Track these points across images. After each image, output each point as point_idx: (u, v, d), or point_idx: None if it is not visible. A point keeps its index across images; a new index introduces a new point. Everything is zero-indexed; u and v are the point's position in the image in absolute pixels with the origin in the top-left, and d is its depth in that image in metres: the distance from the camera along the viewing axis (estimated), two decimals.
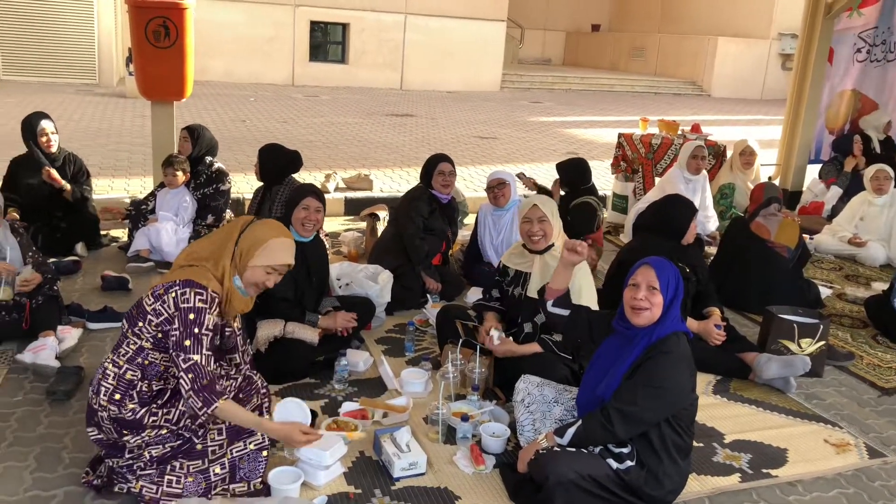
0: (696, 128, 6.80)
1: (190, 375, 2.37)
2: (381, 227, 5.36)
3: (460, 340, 3.49)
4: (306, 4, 16.94)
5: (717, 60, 20.27)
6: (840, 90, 7.61)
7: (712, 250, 5.35)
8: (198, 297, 2.40)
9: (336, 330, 3.57)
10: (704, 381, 3.68)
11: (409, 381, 3.40)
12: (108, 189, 6.44)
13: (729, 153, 6.55)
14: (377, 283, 4.14)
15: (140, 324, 2.44)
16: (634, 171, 6.53)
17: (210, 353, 2.43)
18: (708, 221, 5.88)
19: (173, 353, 2.39)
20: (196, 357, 2.38)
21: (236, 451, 2.51)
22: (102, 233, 5.36)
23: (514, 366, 3.28)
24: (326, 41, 17.87)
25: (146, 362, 2.46)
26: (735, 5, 20.89)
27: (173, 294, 2.40)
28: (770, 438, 3.21)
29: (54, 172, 4.91)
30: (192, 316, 2.38)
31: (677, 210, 4.04)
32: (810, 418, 3.42)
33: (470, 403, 3.20)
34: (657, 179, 6.36)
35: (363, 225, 5.81)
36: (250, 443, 2.53)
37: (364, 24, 17.48)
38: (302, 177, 7.36)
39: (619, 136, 6.75)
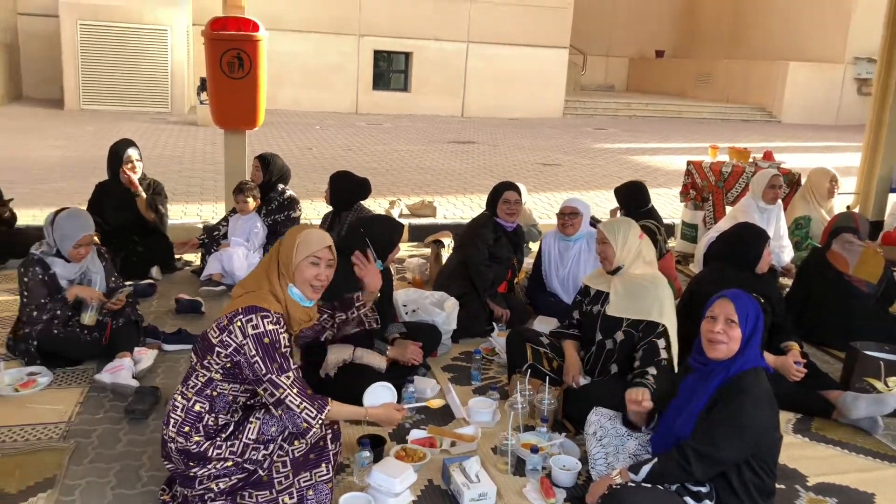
0: (768, 155, 6.62)
1: (294, 390, 2.44)
2: (445, 253, 5.38)
3: (528, 370, 3.45)
4: (371, 34, 17.31)
5: (789, 85, 19.76)
6: None
7: (787, 282, 5.17)
8: (265, 319, 2.43)
9: (404, 361, 3.58)
10: (784, 420, 3.49)
11: (477, 410, 3.37)
12: (181, 214, 6.65)
13: (804, 181, 6.35)
14: (443, 310, 4.13)
15: (208, 356, 2.47)
16: (704, 199, 6.39)
17: (297, 367, 2.49)
18: (783, 252, 5.69)
19: (267, 379, 2.42)
20: (291, 374, 2.44)
21: (304, 482, 2.52)
22: (176, 257, 5.52)
23: (584, 398, 3.23)
24: (389, 70, 18.20)
25: (215, 393, 2.49)
26: (807, 29, 20.41)
27: (238, 323, 2.42)
28: (857, 482, 3.06)
29: (133, 176, 5.09)
30: (266, 340, 2.41)
31: (750, 239, 3.93)
32: None
33: (539, 435, 3.15)
34: (728, 208, 6.21)
35: (427, 251, 5.84)
36: (316, 474, 2.54)
37: (427, 53, 17.75)
38: (367, 203, 7.46)
39: (688, 163, 6.63)
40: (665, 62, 24.52)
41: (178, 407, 2.48)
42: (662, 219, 5.49)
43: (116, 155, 5.16)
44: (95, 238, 4.95)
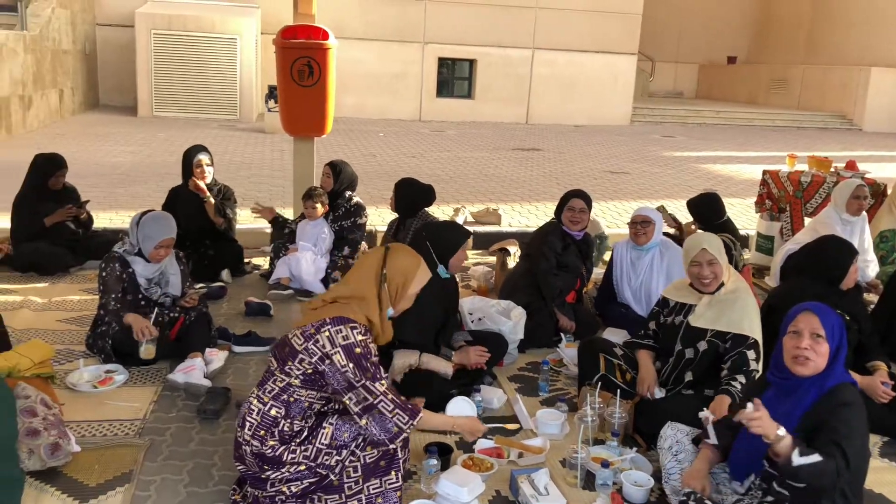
0: (851, 164, 6.34)
1: (389, 397, 2.46)
2: (511, 262, 5.32)
3: (598, 382, 3.37)
4: (435, 42, 17.40)
5: (871, 91, 18.94)
6: None
7: (872, 298, 4.93)
8: (354, 331, 2.46)
9: (469, 365, 3.55)
10: (871, 443, 3.33)
11: (545, 421, 3.31)
12: (251, 219, 6.77)
13: (889, 192, 6.05)
14: (510, 319, 4.08)
15: (290, 362, 2.48)
16: (781, 210, 6.16)
17: (387, 376, 2.53)
18: (867, 266, 5.41)
19: (361, 385, 2.43)
20: (384, 381, 2.48)
21: (373, 489, 2.52)
22: (245, 260, 5.63)
23: (657, 412, 3.15)
24: (453, 77, 18.26)
25: (291, 399, 2.51)
26: (890, 33, 19.54)
27: (326, 333, 2.44)
28: None
29: (200, 183, 5.22)
30: (358, 350, 2.44)
31: (835, 252, 3.76)
32: None
33: (609, 449, 3.07)
34: (807, 220, 5.97)
35: (492, 259, 5.79)
36: (386, 481, 2.53)
37: (491, 60, 17.73)
38: (431, 211, 7.47)
39: (764, 173, 6.41)
40: (737, 68, 23.89)
41: (253, 411, 2.51)
42: (738, 230, 5.31)
43: (188, 160, 5.31)
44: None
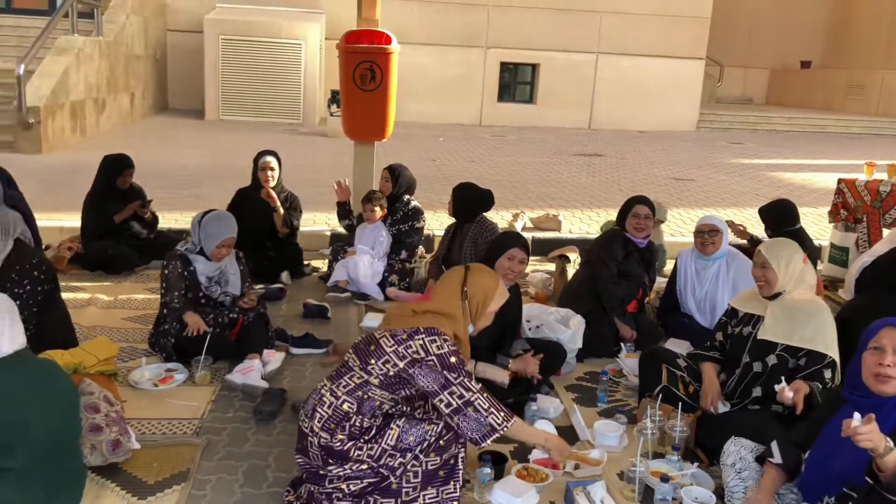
0: None
1: (485, 395, 2.53)
2: (570, 269, 5.23)
3: (659, 394, 3.26)
4: (498, 46, 17.34)
5: None
6: None
7: None
8: (447, 342, 2.54)
9: (526, 373, 3.49)
10: None
11: (603, 433, 3.22)
12: (311, 222, 6.86)
13: None
14: (569, 328, 4.00)
15: (373, 361, 2.53)
16: (857, 220, 5.89)
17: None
18: None
19: (458, 382, 2.49)
20: (477, 384, 2.54)
21: (429, 499, 2.51)
22: (305, 263, 5.69)
23: (720, 426, 3.03)
24: (515, 81, 18.17)
25: (365, 397, 2.53)
26: None
27: (420, 341, 2.51)
28: None
29: (273, 193, 5.31)
30: (453, 359, 2.52)
31: None
32: None
33: (669, 463, 2.97)
34: (885, 231, 5.68)
35: (551, 266, 5.71)
36: (443, 492, 2.52)
37: (554, 65, 17.56)
38: (490, 216, 7.42)
39: (839, 181, 6.14)
40: (810, 73, 23.05)
41: (325, 403, 2.54)
42: (812, 240, 5.09)
43: (257, 162, 5.40)
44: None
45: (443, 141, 13.89)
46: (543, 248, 6.45)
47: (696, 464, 3.02)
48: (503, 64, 17.67)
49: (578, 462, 2.98)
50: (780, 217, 4.88)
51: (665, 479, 2.76)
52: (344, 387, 2.55)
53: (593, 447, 3.17)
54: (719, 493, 2.76)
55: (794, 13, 23.28)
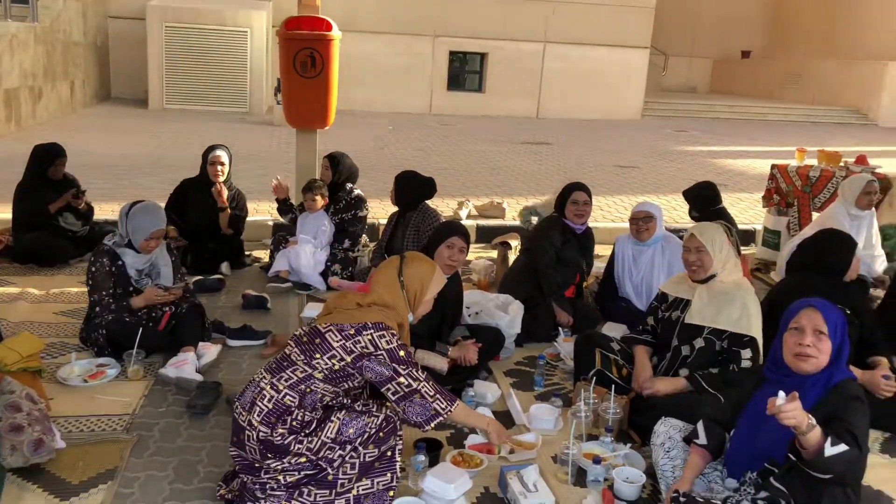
0: (861, 159, 6.22)
1: (431, 383, 2.60)
2: (512, 256, 5.27)
3: (594, 377, 3.32)
4: (446, 35, 17.30)
5: (888, 87, 18.64)
6: None
7: (880, 293, 4.83)
8: (395, 337, 2.58)
9: (465, 361, 3.50)
10: (871, 438, 3.26)
11: (539, 417, 3.26)
12: (253, 211, 6.75)
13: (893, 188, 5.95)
14: (508, 314, 4.03)
15: (318, 356, 2.52)
16: (789, 204, 6.06)
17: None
18: (875, 262, 5.33)
19: (405, 373, 2.54)
20: (423, 374, 2.60)
21: (363, 489, 2.51)
22: (246, 253, 5.61)
23: (652, 408, 3.09)
24: (464, 70, 18.16)
25: (308, 390, 2.52)
26: None
27: (368, 336, 2.53)
28: None
29: (224, 191, 5.22)
30: (402, 353, 2.56)
31: (836, 246, 3.70)
32: None
33: (603, 445, 3.02)
34: (815, 214, 5.87)
35: (494, 253, 5.74)
36: (378, 482, 2.53)
37: (503, 54, 17.62)
38: (435, 204, 7.38)
39: (773, 167, 6.30)
40: (751, 63, 23.60)
41: (266, 396, 2.50)
42: (733, 218, 5.23)
43: (206, 155, 5.31)
44: (174, 232, 5.13)
45: (392, 130, 13.82)
46: (487, 236, 6.49)
47: (628, 444, 3.08)
48: (452, 53, 17.65)
49: (513, 446, 3.02)
50: (704, 198, 5.00)
51: (597, 460, 2.80)
52: (286, 380, 2.51)
53: (529, 431, 3.20)
54: (650, 472, 2.82)
55: (736, 4, 23.80)
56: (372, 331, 2.54)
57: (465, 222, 6.80)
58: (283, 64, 5.67)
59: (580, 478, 2.85)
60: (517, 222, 6.75)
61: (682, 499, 2.41)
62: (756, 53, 23.86)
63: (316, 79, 5.63)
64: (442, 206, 7.39)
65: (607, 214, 7.38)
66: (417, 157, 10.54)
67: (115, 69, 16.07)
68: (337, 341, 2.52)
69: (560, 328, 4.25)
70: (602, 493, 2.73)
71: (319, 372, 2.51)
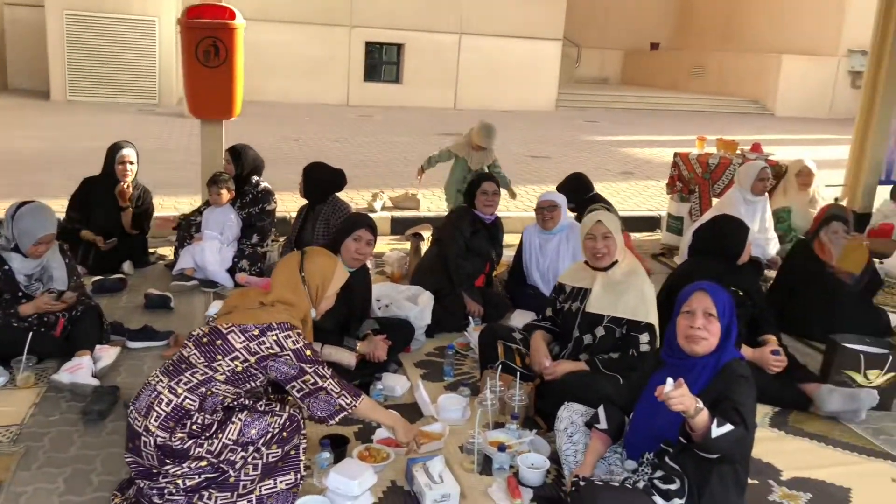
0: (756, 147, 6.52)
1: (336, 380, 2.54)
2: (425, 247, 5.28)
3: (499, 365, 3.36)
4: (362, 25, 17.15)
5: (783, 78, 19.65)
6: None
7: (773, 274, 5.09)
8: (300, 336, 2.52)
9: (373, 357, 3.49)
10: (761, 413, 3.45)
11: (447, 407, 3.28)
12: (158, 207, 6.51)
13: (787, 174, 6.27)
14: (417, 305, 4.04)
15: (220, 357, 2.43)
16: (691, 191, 6.30)
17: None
18: (768, 245, 5.61)
19: (312, 371, 2.49)
20: (329, 371, 2.55)
21: (265, 489, 2.47)
22: (150, 251, 5.41)
23: (556, 393, 3.15)
24: (381, 61, 18.05)
25: (209, 393, 2.43)
26: (801, 22, 20.27)
27: (273, 337, 2.45)
28: (832, 477, 2.98)
29: (128, 191, 5.01)
30: (308, 353, 2.50)
31: (730, 231, 3.86)
32: (878, 455, 3.16)
33: (508, 432, 3.06)
34: (714, 200, 6.12)
35: (408, 245, 5.73)
36: (281, 482, 2.49)
37: (419, 45, 17.60)
38: (349, 196, 7.35)
39: (675, 155, 6.53)
40: (659, 55, 24.37)
41: (163, 401, 2.39)
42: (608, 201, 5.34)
43: (112, 154, 5.06)
44: (90, 235, 4.90)
45: (308, 121, 13.62)
46: (402, 227, 6.48)
47: (534, 431, 3.13)
48: (369, 43, 17.51)
49: (421, 441, 3.02)
50: (577, 188, 5.08)
51: (502, 448, 2.84)
52: (185, 384, 2.42)
53: (437, 421, 3.21)
54: (555, 457, 2.87)
55: None
56: (277, 331, 2.46)
57: (379, 214, 6.78)
58: (185, 53, 5.50)
59: (486, 466, 2.88)
60: (431, 213, 6.76)
61: (581, 482, 2.47)
62: (664, 45, 24.66)
63: (219, 68, 5.48)
64: (357, 197, 7.34)
65: (519, 204, 7.47)
66: (333, 149, 10.43)
67: (13, 59, 15.24)
68: (240, 343, 2.43)
69: (470, 318, 4.29)
70: (507, 480, 2.77)
71: (221, 374, 2.43)
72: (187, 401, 2.40)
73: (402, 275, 5.19)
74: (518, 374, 3.29)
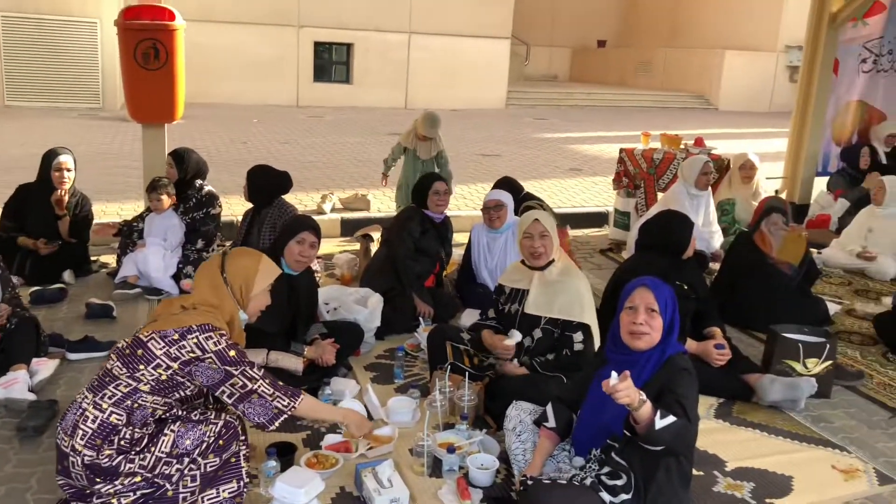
0: (699, 141, 6.65)
1: (267, 381, 2.46)
2: (374, 248, 5.25)
3: (448, 366, 3.36)
4: (310, 25, 16.99)
5: (725, 74, 20.14)
6: (846, 101, 7.46)
7: (717, 267, 5.19)
8: (223, 337, 2.43)
9: (321, 361, 3.45)
10: (706, 405, 3.52)
11: (396, 409, 3.26)
12: (101, 213, 6.36)
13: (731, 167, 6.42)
14: (366, 308, 4.01)
15: (142, 367, 2.35)
16: (636, 186, 6.39)
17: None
18: (712, 238, 5.73)
19: (239, 373, 2.41)
20: (261, 370, 2.47)
21: (208, 500, 2.41)
22: (92, 259, 5.27)
23: (505, 393, 3.16)
24: (331, 62, 17.91)
25: (136, 406, 2.35)
26: (741, 18, 20.79)
27: (194, 340, 2.37)
28: (775, 465, 3.05)
29: (65, 200, 4.87)
30: (232, 353, 2.43)
31: (675, 226, 3.92)
32: (817, 443, 3.25)
33: (458, 433, 3.05)
34: (660, 195, 6.22)
35: (357, 246, 5.69)
36: (224, 490, 2.43)
37: (368, 44, 17.51)
38: (298, 198, 7.29)
39: (621, 151, 6.63)
40: (606, 52, 24.72)
41: (88, 418, 2.31)
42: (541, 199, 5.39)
43: (48, 162, 4.89)
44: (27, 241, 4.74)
45: (257, 122, 13.43)
46: (352, 229, 6.44)
47: (484, 430, 3.13)
48: (318, 44, 17.35)
49: (370, 442, 3.00)
50: (509, 190, 5.08)
51: (451, 449, 2.83)
52: (110, 398, 2.34)
53: (387, 425, 3.19)
54: (505, 457, 2.86)
55: None
56: (197, 333, 2.38)
57: (329, 216, 6.72)
58: (124, 56, 5.36)
59: (437, 468, 2.87)
60: (382, 214, 6.73)
61: (529, 482, 2.48)
62: (611, 43, 25.02)
63: (160, 71, 5.35)
64: (306, 199, 7.27)
65: (469, 202, 7.50)
66: (282, 151, 10.30)
67: None
68: (160, 349, 2.35)
69: (420, 318, 4.28)
70: (457, 481, 2.76)
71: (145, 384, 2.36)
72: (113, 415, 2.33)
73: (352, 277, 5.15)
74: (466, 373, 3.28)
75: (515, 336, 3.28)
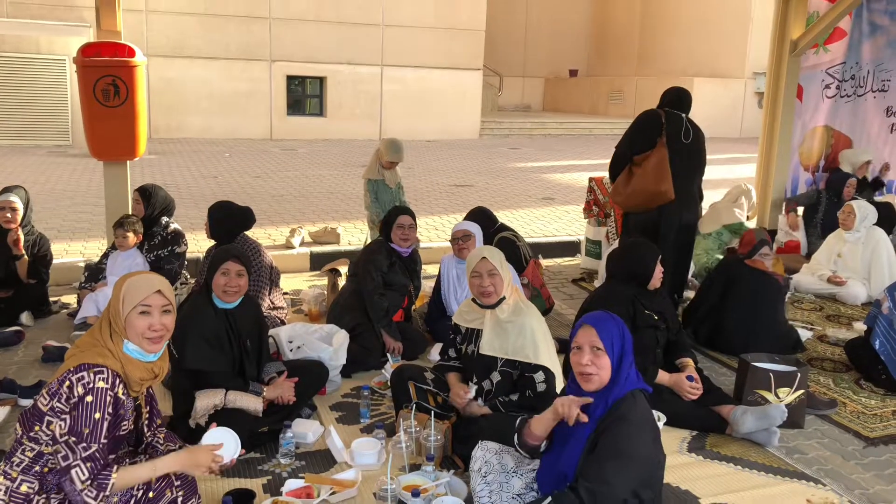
0: None
1: (88, 465, 2.14)
2: (342, 282, 5.16)
3: (413, 406, 3.27)
4: (282, 59, 17.01)
5: (695, 100, 20.27)
6: (812, 127, 7.54)
7: (691, 295, 5.15)
8: (98, 376, 2.18)
9: (282, 400, 3.33)
10: (679, 438, 3.45)
11: (361, 451, 3.15)
12: (63, 252, 6.22)
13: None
14: (331, 345, 3.91)
15: (37, 426, 2.18)
16: (607, 215, 6.37)
17: (106, 442, 2.19)
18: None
19: (64, 441, 2.14)
20: (94, 446, 2.15)
21: None
22: (53, 299, 5.13)
23: (471, 431, 3.07)
24: (304, 95, 17.92)
25: (46, 469, 2.19)
26: (710, 46, 21.18)
27: (67, 384, 2.16)
28: (749, 500, 2.98)
29: (21, 239, 4.74)
30: (89, 398, 2.15)
31: (640, 255, 3.86)
32: (792, 475, 3.18)
33: (424, 475, 2.95)
34: None
35: (325, 281, 5.60)
36: None
37: (341, 77, 17.56)
38: (268, 232, 7.20)
39: (590, 180, 6.62)
40: (578, 81, 25.02)
41: (0, 490, 2.15)
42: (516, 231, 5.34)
43: None
44: None
45: (229, 157, 13.34)
46: (321, 263, 6.34)
47: (451, 471, 3.04)
48: (290, 77, 17.37)
49: (334, 487, 2.89)
50: (484, 221, 5.03)
51: (416, 493, 2.73)
52: (17, 465, 2.18)
53: (351, 468, 3.09)
54: (472, 499, 2.77)
55: (561, 25, 25.22)
56: (72, 374, 2.16)
57: (298, 250, 6.62)
58: (83, 93, 5.26)
59: None
60: (352, 247, 6.66)
61: None
62: (582, 72, 25.35)
63: (120, 108, 5.27)
64: (275, 234, 7.17)
65: (442, 234, 7.45)
66: (253, 185, 10.21)
67: None
68: (46, 404, 2.18)
69: (388, 355, 4.19)
70: None
71: (46, 445, 2.18)
72: (25, 484, 2.17)
73: (319, 312, 5.05)
74: (432, 412, 3.19)
75: (472, 391, 3.23)
